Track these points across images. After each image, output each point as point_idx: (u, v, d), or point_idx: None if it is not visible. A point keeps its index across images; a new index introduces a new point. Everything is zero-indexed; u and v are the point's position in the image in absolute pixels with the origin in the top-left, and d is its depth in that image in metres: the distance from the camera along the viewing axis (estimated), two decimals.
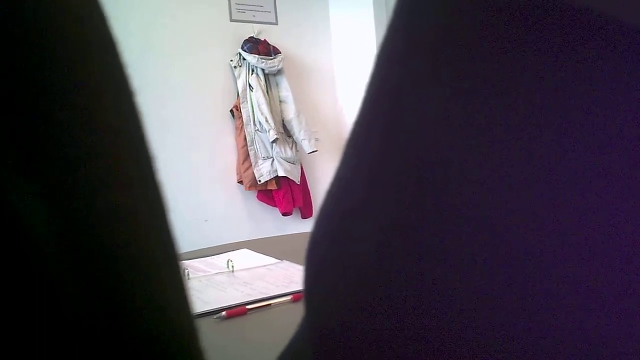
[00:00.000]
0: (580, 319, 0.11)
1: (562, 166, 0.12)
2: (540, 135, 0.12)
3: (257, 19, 3.08)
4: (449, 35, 0.14)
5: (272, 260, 0.97)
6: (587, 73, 0.11)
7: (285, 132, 3.03)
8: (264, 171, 2.94)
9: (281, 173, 2.94)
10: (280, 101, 3.03)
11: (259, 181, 2.94)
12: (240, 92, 2.94)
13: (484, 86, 0.13)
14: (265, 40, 3.01)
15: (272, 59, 2.95)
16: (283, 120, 3.02)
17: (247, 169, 2.95)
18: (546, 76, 0.12)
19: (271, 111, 2.91)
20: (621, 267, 0.11)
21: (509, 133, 0.12)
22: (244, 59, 2.93)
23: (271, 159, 2.95)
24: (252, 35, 2.99)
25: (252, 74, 2.94)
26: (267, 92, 2.96)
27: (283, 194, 3.03)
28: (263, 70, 2.94)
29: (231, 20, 3.00)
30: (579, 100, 0.12)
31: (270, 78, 3.01)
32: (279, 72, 3.01)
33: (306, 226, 2.99)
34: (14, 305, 0.14)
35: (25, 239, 0.14)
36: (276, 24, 3.16)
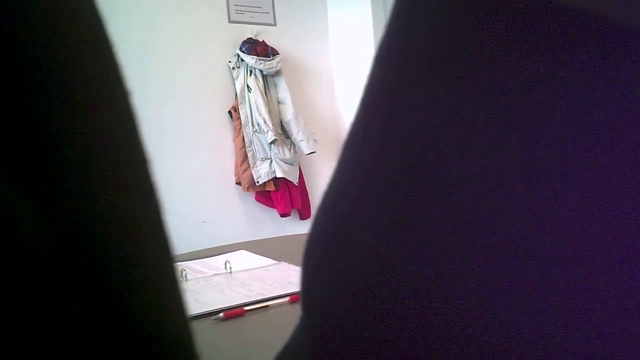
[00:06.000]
0: (580, 319, 0.11)
1: (562, 166, 0.12)
2: (541, 134, 0.12)
3: (256, 20, 3.08)
4: (449, 36, 0.14)
5: (270, 261, 0.97)
6: (586, 73, 0.12)
7: (284, 133, 3.03)
8: (262, 172, 2.93)
9: (279, 174, 2.94)
10: (278, 102, 3.03)
11: (257, 182, 2.94)
12: (238, 93, 2.94)
13: (485, 87, 0.13)
14: (263, 41, 3.01)
15: (270, 60, 2.95)
16: (281, 122, 3.02)
17: (246, 170, 2.95)
18: (546, 76, 0.12)
19: (269, 112, 2.91)
20: (622, 267, 0.11)
21: (509, 133, 0.12)
22: (242, 60, 2.93)
23: (269, 160, 2.95)
24: (250, 37, 2.99)
25: (250, 75, 2.94)
26: (266, 93, 2.96)
27: (281, 195, 3.03)
28: (261, 71, 2.94)
29: (229, 22, 3.00)
30: (579, 100, 0.12)
31: (268, 79, 3.01)
32: (277, 73, 3.01)
33: (304, 227, 2.98)
34: (10, 306, 0.14)
35: (21, 240, 0.14)
36: (274, 25, 3.16)
